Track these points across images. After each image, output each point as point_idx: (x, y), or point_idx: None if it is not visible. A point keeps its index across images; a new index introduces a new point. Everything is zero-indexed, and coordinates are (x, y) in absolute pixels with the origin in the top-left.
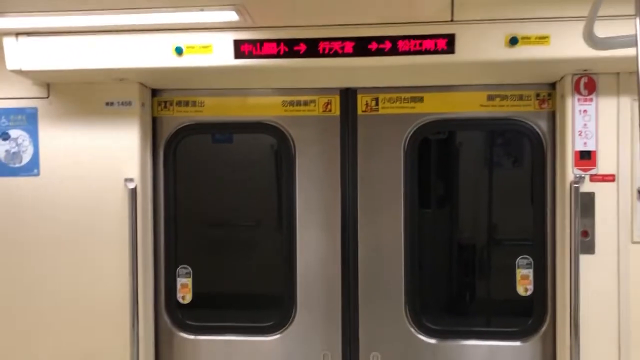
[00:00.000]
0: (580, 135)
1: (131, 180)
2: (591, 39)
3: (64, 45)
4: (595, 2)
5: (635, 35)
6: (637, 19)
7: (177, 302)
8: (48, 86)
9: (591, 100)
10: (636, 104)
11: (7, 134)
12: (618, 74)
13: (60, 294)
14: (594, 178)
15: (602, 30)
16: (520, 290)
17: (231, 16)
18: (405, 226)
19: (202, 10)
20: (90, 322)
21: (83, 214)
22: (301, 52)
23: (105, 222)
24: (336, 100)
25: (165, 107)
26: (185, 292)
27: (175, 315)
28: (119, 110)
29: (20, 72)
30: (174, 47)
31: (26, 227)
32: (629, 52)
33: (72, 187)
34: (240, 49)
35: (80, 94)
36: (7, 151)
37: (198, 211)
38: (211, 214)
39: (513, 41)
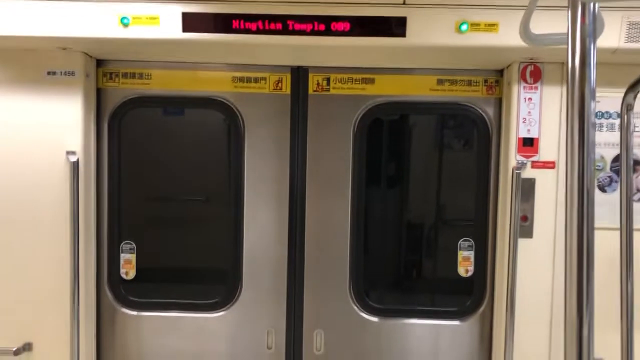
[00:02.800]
0: (524, 122)
1: (73, 153)
2: (526, 34)
3: (3, 9)
4: (532, 1)
5: (567, 32)
6: (569, 12)
7: (120, 277)
8: None
9: (536, 88)
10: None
11: None
12: (562, 64)
13: None
14: (535, 164)
15: (542, 20)
16: (461, 271)
17: None
18: (353, 206)
19: None
20: (29, 299)
21: (21, 187)
22: (252, 29)
23: (45, 196)
24: (287, 79)
25: (110, 78)
26: (128, 267)
27: (118, 291)
28: (61, 80)
29: None
30: (120, 18)
31: None
32: None
33: (10, 158)
34: (189, 22)
35: (20, 62)
36: None
37: (143, 186)
38: (157, 189)
39: (462, 27)
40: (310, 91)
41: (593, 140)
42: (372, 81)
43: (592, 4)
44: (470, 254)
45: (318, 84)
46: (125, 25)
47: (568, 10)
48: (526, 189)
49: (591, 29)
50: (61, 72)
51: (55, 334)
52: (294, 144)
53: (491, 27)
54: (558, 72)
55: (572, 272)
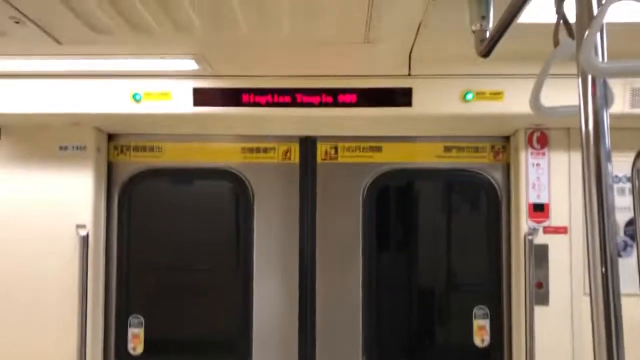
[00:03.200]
0: (533, 187)
1: (83, 226)
2: (537, 107)
3: (16, 88)
4: (541, 74)
5: (579, 102)
6: (579, 84)
7: (128, 353)
8: None
9: (544, 154)
10: None
11: None
12: (569, 129)
13: (3, 344)
14: (547, 230)
15: (551, 87)
16: (477, 341)
17: (190, 65)
18: (364, 274)
19: (162, 58)
20: None
21: (30, 260)
22: (261, 102)
23: (54, 270)
24: (296, 148)
25: (121, 152)
26: (136, 342)
27: None
28: (73, 155)
29: None
30: (132, 94)
31: None
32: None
33: (20, 232)
34: (200, 97)
35: (33, 137)
36: None
37: (152, 259)
38: (166, 261)
39: (468, 96)
40: (319, 160)
41: (613, 204)
42: (379, 149)
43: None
44: (486, 323)
45: (326, 152)
46: (137, 101)
47: (578, 80)
48: (539, 255)
49: (603, 102)
50: (73, 147)
51: None
52: (303, 213)
53: (496, 95)
54: (565, 138)
55: (601, 342)
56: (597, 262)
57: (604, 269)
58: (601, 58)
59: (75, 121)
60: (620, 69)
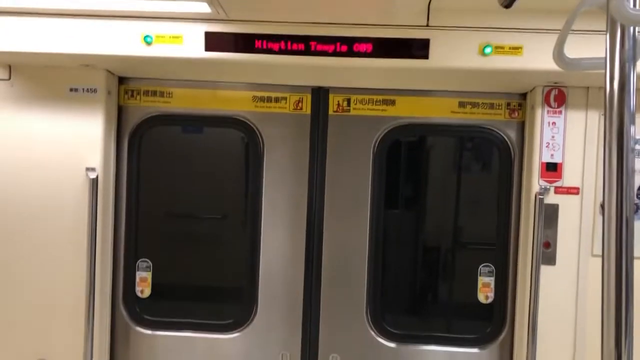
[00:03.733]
0: (547, 146)
1: (93, 169)
2: (561, 59)
3: (28, 26)
4: (567, 23)
5: (605, 55)
6: (607, 36)
7: (136, 295)
8: (10, 68)
9: (560, 112)
10: (603, 119)
11: None
12: (588, 88)
13: (13, 286)
14: (558, 190)
15: (573, 44)
16: (481, 297)
17: (203, 8)
18: (371, 229)
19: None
20: (44, 315)
21: (40, 203)
22: (274, 49)
23: (63, 212)
24: (307, 99)
25: (132, 95)
26: (144, 285)
27: (133, 309)
28: (83, 97)
29: None
30: (143, 36)
31: None
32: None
33: (30, 173)
34: (211, 42)
35: (43, 78)
36: None
37: (161, 204)
38: (175, 206)
39: (486, 50)
40: (331, 112)
41: (633, 166)
42: (392, 103)
43: (632, 29)
44: (491, 280)
45: (338, 104)
46: (149, 43)
47: (606, 34)
48: (549, 214)
49: (631, 54)
50: (83, 89)
51: (68, 352)
52: (313, 164)
53: (515, 50)
54: (583, 97)
55: (610, 302)
56: (612, 223)
57: (618, 232)
58: (633, 5)
59: (85, 62)
60: None
